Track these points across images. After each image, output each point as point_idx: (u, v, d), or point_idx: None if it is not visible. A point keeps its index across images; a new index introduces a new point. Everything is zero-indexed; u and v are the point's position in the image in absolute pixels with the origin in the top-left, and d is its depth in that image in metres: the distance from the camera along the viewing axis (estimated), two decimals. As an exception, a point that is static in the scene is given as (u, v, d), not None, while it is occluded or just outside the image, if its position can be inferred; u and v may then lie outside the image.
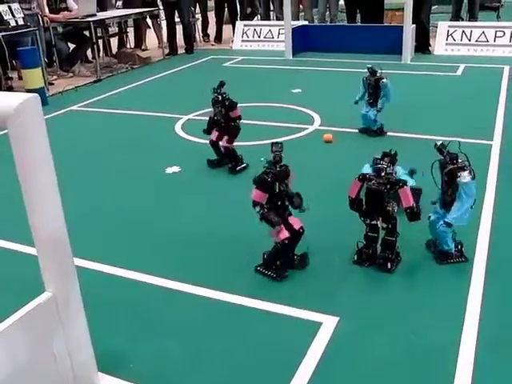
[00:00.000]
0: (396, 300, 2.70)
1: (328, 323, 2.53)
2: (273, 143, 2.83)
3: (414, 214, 2.78)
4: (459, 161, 2.76)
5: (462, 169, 2.73)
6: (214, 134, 4.34)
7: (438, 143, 2.82)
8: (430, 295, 2.71)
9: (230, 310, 2.69)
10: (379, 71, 4.70)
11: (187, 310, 2.70)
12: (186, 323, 2.60)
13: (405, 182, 2.76)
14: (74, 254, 1.93)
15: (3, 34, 6.74)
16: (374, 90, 4.76)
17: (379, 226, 2.90)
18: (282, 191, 2.80)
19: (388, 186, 2.77)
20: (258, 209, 2.78)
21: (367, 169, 2.85)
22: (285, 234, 2.80)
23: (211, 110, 4.29)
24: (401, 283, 2.83)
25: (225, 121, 4.22)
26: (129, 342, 2.48)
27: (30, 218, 1.77)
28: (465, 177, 2.71)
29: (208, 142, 4.38)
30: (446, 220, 2.81)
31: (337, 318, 2.56)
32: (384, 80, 4.69)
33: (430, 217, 2.96)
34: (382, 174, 2.77)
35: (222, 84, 4.18)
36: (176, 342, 2.47)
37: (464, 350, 2.33)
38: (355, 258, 2.99)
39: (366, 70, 4.78)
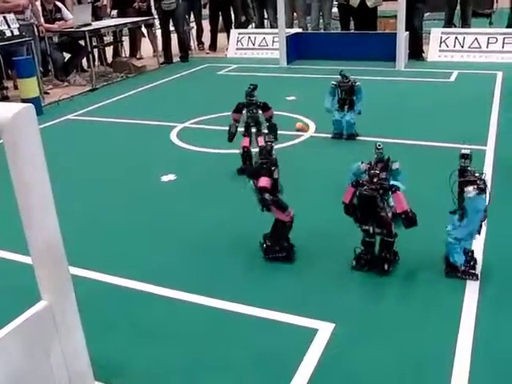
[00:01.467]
0: (393, 307, 2.70)
1: (324, 330, 2.53)
2: (265, 134, 3.03)
3: (409, 219, 2.75)
4: (476, 174, 2.65)
5: (471, 183, 2.62)
6: (246, 140, 4.29)
7: (464, 151, 2.68)
8: (428, 303, 2.71)
9: (227, 317, 2.69)
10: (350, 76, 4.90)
11: (184, 318, 2.70)
12: (182, 331, 2.60)
13: (397, 187, 2.75)
14: (70, 262, 1.94)
15: (-2, 44, 6.76)
16: (349, 94, 4.88)
17: (373, 231, 2.90)
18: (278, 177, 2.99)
19: (381, 192, 2.78)
20: (267, 195, 2.89)
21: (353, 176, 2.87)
22: (291, 212, 3.03)
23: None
24: (399, 290, 2.83)
25: (255, 123, 4.27)
26: (125, 350, 2.48)
27: (26, 227, 1.77)
28: (470, 191, 2.61)
29: (240, 150, 4.31)
30: (456, 236, 2.76)
31: (333, 325, 2.56)
32: (358, 83, 4.87)
33: (447, 227, 2.88)
34: (375, 179, 2.78)
35: (255, 87, 4.22)
36: (172, 350, 2.47)
37: (459, 359, 2.32)
38: (354, 263, 2.99)
39: (354, 77, 4.91)
